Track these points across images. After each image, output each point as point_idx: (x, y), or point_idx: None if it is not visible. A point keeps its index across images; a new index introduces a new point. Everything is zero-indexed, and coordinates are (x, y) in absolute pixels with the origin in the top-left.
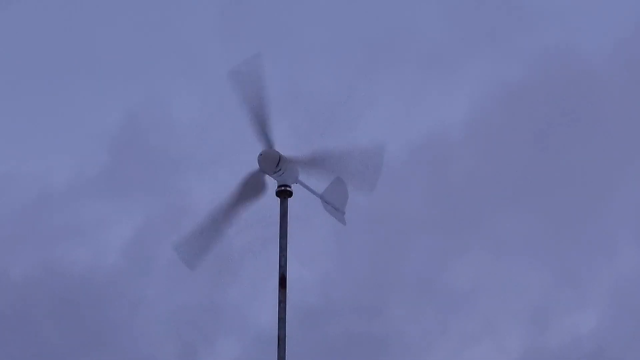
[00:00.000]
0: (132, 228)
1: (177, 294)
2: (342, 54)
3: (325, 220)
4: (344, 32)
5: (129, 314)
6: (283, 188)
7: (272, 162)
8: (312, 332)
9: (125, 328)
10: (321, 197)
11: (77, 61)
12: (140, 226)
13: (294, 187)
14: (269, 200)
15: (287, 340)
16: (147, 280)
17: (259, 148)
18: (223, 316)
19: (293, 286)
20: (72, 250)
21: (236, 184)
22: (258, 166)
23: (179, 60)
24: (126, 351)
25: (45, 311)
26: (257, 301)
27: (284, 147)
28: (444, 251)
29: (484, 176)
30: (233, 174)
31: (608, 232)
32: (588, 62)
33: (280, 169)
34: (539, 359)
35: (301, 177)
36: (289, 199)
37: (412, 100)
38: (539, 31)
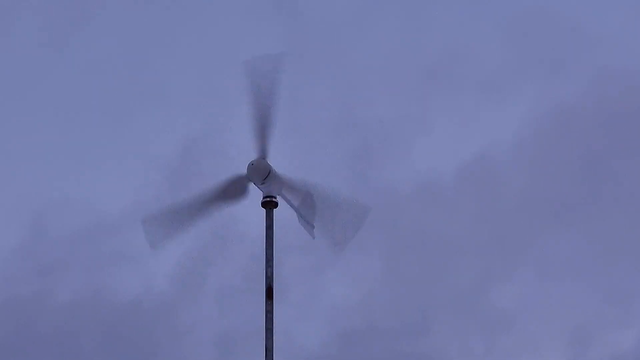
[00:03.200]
0: (181, 254)
1: (225, 318)
2: (398, 78)
3: (372, 241)
4: (400, 57)
5: (177, 339)
6: (269, 199)
7: (261, 173)
8: (356, 352)
9: (173, 353)
10: (297, 211)
11: (134, 87)
12: (190, 252)
13: (279, 199)
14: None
15: None
16: (196, 305)
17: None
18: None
19: (338, 306)
20: (121, 276)
21: (220, 182)
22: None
23: (238, 88)
24: None
25: (92, 335)
26: (304, 323)
27: (336, 173)
28: (490, 271)
29: (532, 197)
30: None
31: None
32: None
33: (266, 183)
34: None
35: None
36: (274, 209)
37: (464, 122)
38: (594, 54)
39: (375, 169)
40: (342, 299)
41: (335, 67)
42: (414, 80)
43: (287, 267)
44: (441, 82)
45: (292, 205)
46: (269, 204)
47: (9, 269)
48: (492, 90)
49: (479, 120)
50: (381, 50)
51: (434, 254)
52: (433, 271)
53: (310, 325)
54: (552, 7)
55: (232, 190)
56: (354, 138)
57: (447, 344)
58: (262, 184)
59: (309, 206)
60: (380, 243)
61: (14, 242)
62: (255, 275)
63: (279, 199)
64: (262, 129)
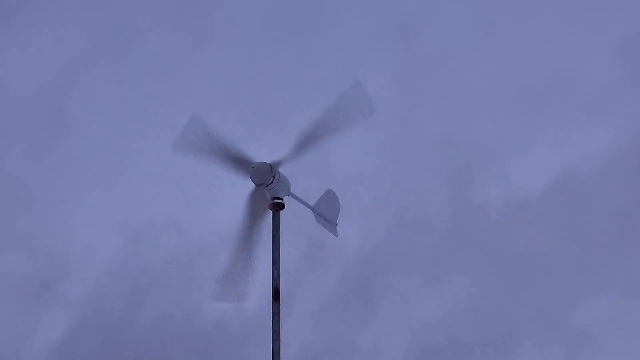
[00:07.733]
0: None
1: (312, 336)
2: (501, 99)
3: (460, 257)
4: (506, 79)
5: (268, 358)
6: (275, 201)
7: (265, 174)
8: None
9: None
10: (313, 209)
11: (246, 112)
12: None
13: (287, 200)
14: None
15: None
16: (287, 323)
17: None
18: (358, 357)
19: (423, 321)
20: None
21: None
22: (251, 180)
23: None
24: None
25: (182, 354)
26: (390, 338)
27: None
28: (576, 288)
29: (622, 214)
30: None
31: None
32: None
33: (273, 182)
34: None
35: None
36: (281, 211)
37: (558, 139)
38: None
39: (471, 188)
40: (427, 314)
41: (441, 89)
42: (516, 101)
43: (378, 284)
44: (543, 103)
45: (307, 205)
46: (276, 206)
47: (102, 285)
48: (592, 109)
49: (573, 137)
50: (488, 72)
51: (520, 270)
52: (519, 287)
53: (396, 340)
54: None
55: (238, 162)
56: (454, 158)
57: None
58: (267, 187)
59: (331, 203)
60: (468, 259)
61: (110, 259)
62: (346, 293)
63: (286, 200)
64: (304, 145)
